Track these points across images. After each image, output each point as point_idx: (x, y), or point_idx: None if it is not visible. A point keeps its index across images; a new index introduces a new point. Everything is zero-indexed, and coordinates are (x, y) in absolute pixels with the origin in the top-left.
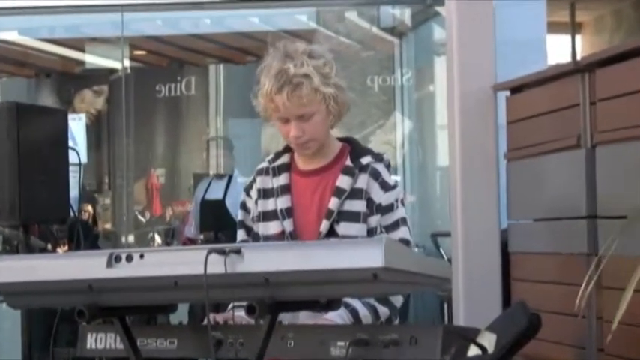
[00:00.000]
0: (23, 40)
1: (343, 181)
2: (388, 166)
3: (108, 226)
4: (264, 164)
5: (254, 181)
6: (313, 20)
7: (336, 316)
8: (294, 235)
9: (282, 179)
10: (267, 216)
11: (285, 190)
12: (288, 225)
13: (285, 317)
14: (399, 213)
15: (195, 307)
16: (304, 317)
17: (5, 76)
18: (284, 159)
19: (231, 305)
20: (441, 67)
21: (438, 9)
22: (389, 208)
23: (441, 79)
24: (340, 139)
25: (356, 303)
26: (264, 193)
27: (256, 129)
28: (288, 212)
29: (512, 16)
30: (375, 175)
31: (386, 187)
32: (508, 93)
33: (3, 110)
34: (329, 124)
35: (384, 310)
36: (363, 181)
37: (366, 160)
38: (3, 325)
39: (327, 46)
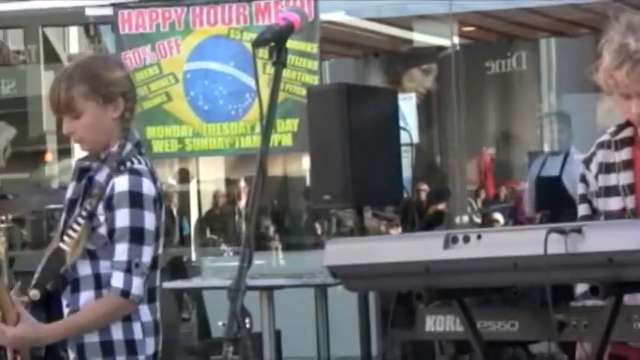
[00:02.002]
0: (350, 20)
1: None
2: None
3: (441, 206)
4: (606, 137)
5: (594, 154)
6: None
7: None
8: (635, 213)
9: (624, 154)
10: (608, 191)
11: (628, 165)
12: (630, 202)
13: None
14: None
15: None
16: None
17: (333, 57)
18: (627, 132)
19: None
20: None
21: None
22: None
23: None
24: None
25: None
26: (606, 168)
27: (591, 104)
28: (631, 188)
29: None
30: None
31: None
32: None
33: (332, 92)
34: None
35: None
36: None
37: None
38: (344, 309)
39: None
